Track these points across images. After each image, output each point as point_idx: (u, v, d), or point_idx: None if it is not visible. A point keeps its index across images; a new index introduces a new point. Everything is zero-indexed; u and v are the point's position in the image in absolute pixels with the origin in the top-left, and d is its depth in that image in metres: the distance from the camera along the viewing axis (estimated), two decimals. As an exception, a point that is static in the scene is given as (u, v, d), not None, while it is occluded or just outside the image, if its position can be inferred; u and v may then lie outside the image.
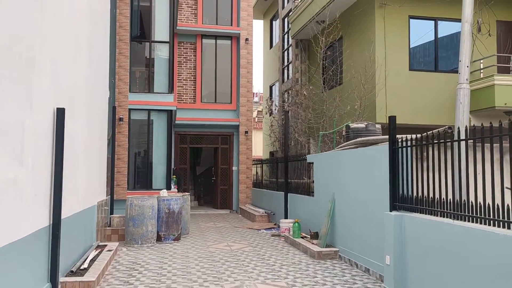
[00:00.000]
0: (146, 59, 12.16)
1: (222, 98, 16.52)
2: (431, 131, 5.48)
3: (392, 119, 6.02)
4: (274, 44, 21.61)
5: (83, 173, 7.15)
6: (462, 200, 4.75)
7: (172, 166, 15.71)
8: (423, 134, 5.59)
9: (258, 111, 27.22)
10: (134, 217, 9.18)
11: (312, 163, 9.66)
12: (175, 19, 13.20)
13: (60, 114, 5.16)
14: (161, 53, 12.15)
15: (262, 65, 24.13)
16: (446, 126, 5.09)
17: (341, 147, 9.02)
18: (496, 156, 4.49)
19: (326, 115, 11.88)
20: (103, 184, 9.63)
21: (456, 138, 4.90)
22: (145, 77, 12.30)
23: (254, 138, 20.53)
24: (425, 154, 5.48)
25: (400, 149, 5.89)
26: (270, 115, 18.79)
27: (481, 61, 12.35)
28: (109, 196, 10.52)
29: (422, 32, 12.35)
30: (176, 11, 13.85)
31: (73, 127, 6.33)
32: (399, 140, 5.91)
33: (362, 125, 9.30)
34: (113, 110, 10.64)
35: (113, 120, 10.64)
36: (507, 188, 4.37)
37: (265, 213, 13.09)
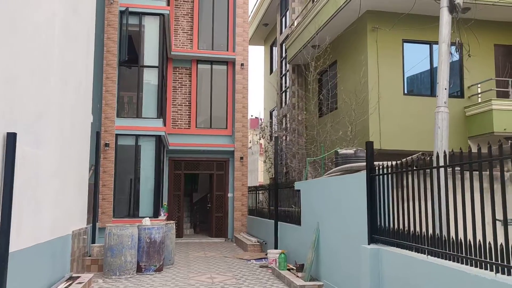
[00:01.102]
0: (134, 84, 12.01)
1: (217, 124, 16.28)
2: (407, 158, 5.11)
3: (369, 144, 5.65)
4: (274, 69, 21.51)
5: (51, 201, 6.83)
6: (441, 235, 4.34)
7: (165, 193, 15.38)
8: (402, 160, 5.21)
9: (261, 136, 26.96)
10: (112, 247, 8.80)
11: (299, 190, 9.27)
12: (165, 44, 13.11)
13: (10, 139, 4.88)
14: (150, 78, 11.99)
15: (263, 91, 24.00)
16: (420, 153, 4.73)
17: (328, 174, 8.64)
18: (477, 184, 4.09)
19: (317, 141, 11.52)
20: (82, 211, 9.29)
21: (434, 164, 4.53)
22: (134, 102, 12.12)
23: (259, 164, 20.19)
24: (405, 182, 5.09)
25: (377, 177, 5.50)
26: (262, 140, 18.48)
27: (479, 85, 12.00)
28: (91, 224, 10.16)
29: (416, 56, 12.07)
30: (168, 36, 13.78)
31: (37, 153, 6.06)
32: (376, 167, 5.53)
33: (351, 151, 8.94)
34: (97, 135, 10.41)
35: (97, 146, 10.39)
36: (498, 220, 3.96)
37: (258, 242, 12.61)
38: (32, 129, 5.90)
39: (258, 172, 20.50)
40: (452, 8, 5.10)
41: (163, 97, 12.68)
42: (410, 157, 5.07)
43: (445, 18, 5.19)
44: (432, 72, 12.17)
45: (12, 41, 5.09)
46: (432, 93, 12.04)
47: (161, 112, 12.03)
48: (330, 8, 12.25)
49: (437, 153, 4.56)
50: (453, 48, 6.54)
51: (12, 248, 5.27)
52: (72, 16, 7.92)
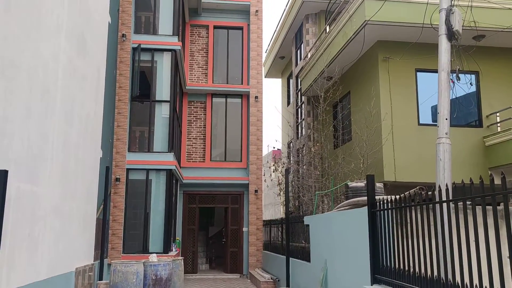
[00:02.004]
0: (146, 118, 12.10)
1: (232, 156, 16.20)
2: (408, 192, 4.82)
3: (369, 178, 5.39)
4: (291, 101, 21.48)
5: (50, 238, 6.76)
6: (446, 278, 4.01)
7: (178, 227, 15.21)
8: (401, 195, 4.92)
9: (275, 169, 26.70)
10: (117, 284, 8.62)
11: (308, 225, 8.95)
12: (177, 79, 13.25)
13: (1, 176, 4.86)
14: (161, 112, 12.07)
15: (281, 123, 23.92)
16: (418, 187, 4.45)
17: (337, 208, 8.34)
18: (488, 220, 3.77)
19: (328, 173, 11.23)
20: (88, 248, 9.21)
21: (437, 199, 4.24)
22: (145, 136, 12.18)
23: (280, 197, 19.89)
24: (408, 218, 4.79)
25: (379, 213, 5.20)
26: (276, 172, 18.23)
27: (497, 114, 11.56)
28: (99, 260, 10.04)
29: (430, 85, 11.76)
30: (181, 71, 13.96)
31: (33, 190, 6.03)
32: (378, 202, 5.24)
33: (361, 184, 8.62)
34: (106, 170, 10.43)
35: (106, 181, 10.40)
36: (508, 258, 3.63)
37: (271, 279, 12.20)
38: (28, 166, 5.90)
39: (280, 205, 20.16)
40: (451, 35, 4.91)
41: (175, 131, 12.70)
42: (408, 191, 4.78)
43: (444, 45, 4.99)
44: (450, 101, 11.81)
45: (6, 80, 5.15)
46: (450, 122, 11.64)
47: (172, 146, 12.02)
48: (340, 40, 12.19)
49: (439, 187, 4.28)
50: (462, 76, 6.30)
51: (3, 286, 5.17)
52: (80, 56, 8.07)
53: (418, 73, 11.75)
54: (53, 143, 6.83)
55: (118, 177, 11.40)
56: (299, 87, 18.82)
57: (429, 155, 11.14)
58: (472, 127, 11.79)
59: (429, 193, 4.30)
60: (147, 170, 11.76)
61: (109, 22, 10.49)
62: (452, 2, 5.15)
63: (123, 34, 11.86)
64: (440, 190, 4.00)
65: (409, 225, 4.70)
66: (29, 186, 5.92)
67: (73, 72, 7.68)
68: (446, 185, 3.85)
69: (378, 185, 8.57)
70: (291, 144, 20.91)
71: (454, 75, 5.32)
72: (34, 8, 5.77)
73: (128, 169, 11.66)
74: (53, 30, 6.51)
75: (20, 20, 5.39)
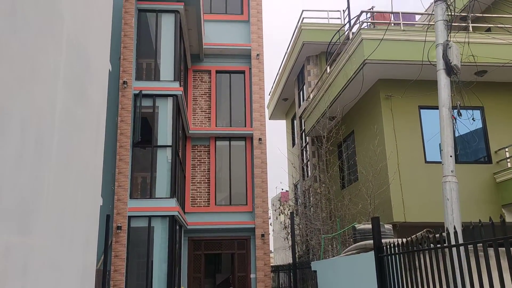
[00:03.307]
0: (148, 164, 11.98)
1: (237, 200, 15.90)
2: (415, 235, 4.53)
3: (375, 220, 5.11)
4: (295, 142, 21.37)
5: (43, 293, 6.44)
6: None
7: (183, 275, 14.72)
8: (411, 238, 4.64)
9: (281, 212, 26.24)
10: None
11: (315, 271, 8.55)
12: (179, 123, 13.23)
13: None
14: (163, 157, 11.95)
15: (287, 164, 23.72)
16: (425, 230, 4.17)
17: (345, 252, 7.98)
18: (502, 264, 3.48)
19: (335, 215, 10.89)
20: (87, 301, 8.81)
21: (446, 243, 3.95)
22: (147, 182, 12.01)
23: (288, 242, 19.36)
24: (416, 263, 4.48)
25: (387, 258, 4.89)
26: (282, 215, 17.85)
27: (506, 149, 11.30)
28: (98, 314, 9.61)
29: (435, 122, 11.57)
30: (183, 116, 13.96)
31: (25, 242, 5.80)
32: (385, 246, 4.94)
33: (369, 226, 8.29)
34: (107, 219, 10.18)
35: (107, 230, 10.12)
36: None
37: (280, 328, 11.62)
38: (19, 217, 5.69)
39: (289, 249, 19.60)
40: (449, 70, 4.78)
41: (177, 176, 12.53)
42: (415, 235, 4.50)
43: (443, 80, 4.86)
44: (455, 139, 11.59)
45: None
46: (457, 160, 11.36)
47: (175, 191, 11.81)
48: (341, 80, 12.18)
49: (447, 230, 4.01)
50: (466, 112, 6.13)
51: None
52: (78, 103, 8.03)
53: (421, 110, 11.63)
54: (48, 193, 6.65)
55: (119, 225, 11.14)
56: (303, 128, 18.76)
57: (439, 193, 10.79)
58: (481, 163, 11.50)
59: (437, 235, 4.03)
60: (149, 217, 11.50)
61: (109, 70, 10.58)
62: (449, 37, 5.06)
63: (124, 81, 11.96)
64: (448, 233, 3.72)
65: (418, 270, 4.39)
66: (20, 238, 5.69)
67: (71, 120, 7.61)
68: (454, 228, 3.58)
69: (387, 226, 8.24)
70: (298, 186, 20.61)
71: (456, 111, 5.15)
72: (28, 54, 5.75)
73: (129, 217, 11.41)
74: (49, 79, 6.49)
75: (13, 66, 5.36)
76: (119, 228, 11.14)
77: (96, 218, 9.50)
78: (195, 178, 15.91)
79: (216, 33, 16.92)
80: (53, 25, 6.76)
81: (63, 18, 7.15)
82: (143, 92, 12.11)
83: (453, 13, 5.42)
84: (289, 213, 16.06)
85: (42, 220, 6.50)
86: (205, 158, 16.20)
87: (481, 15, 12.14)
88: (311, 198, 14.50)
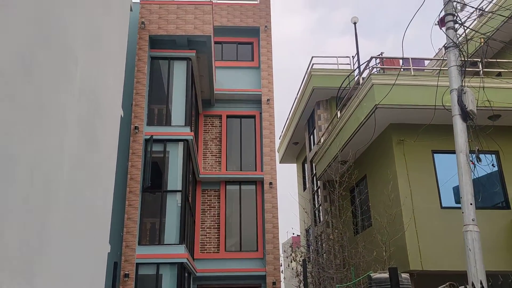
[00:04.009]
0: (157, 209, 11.83)
1: (247, 246, 15.54)
2: (436, 289, 4.27)
3: (393, 271, 4.87)
4: (307, 186, 21.13)
5: None
6: None
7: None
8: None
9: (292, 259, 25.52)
10: None
11: (330, 324, 8.13)
12: (190, 168, 13.17)
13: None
14: (173, 202, 11.81)
15: (298, 210, 23.36)
16: (448, 283, 3.93)
17: (361, 303, 7.60)
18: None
19: (349, 263, 10.51)
20: None
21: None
22: (156, 228, 11.82)
23: None
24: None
25: (407, 313, 4.60)
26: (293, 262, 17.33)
27: (525, 193, 10.97)
28: None
29: (450, 166, 11.35)
30: (194, 160, 13.92)
31: (29, 292, 5.60)
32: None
33: (385, 275, 7.94)
34: (114, 266, 9.94)
35: (114, 278, 9.86)
36: None
37: None
38: (24, 264, 5.53)
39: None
40: (465, 115, 4.68)
41: (187, 221, 12.33)
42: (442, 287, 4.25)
43: (459, 126, 4.75)
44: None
45: (3, 174, 4.99)
46: (476, 205, 11.02)
47: (184, 237, 11.58)
48: (352, 124, 12.13)
49: (472, 284, 3.77)
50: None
51: None
52: (88, 149, 8.03)
53: (435, 155, 11.44)
54: (54, 238, 6.50)
55: (127, 273, 10.86)
56: (313, 172, 18.58)
57: (456, 240, 10.42)
58: (499, 209, 11.15)
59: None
60: (158, 264, 11.22)
61: (121, 115, 10.67)
62: (463, 82, 5.00)
63: (135, 126, 12.04)
64: None
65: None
66: (24, 285, 5.50)
67: (80, 166, 7.58)
68: (481, 283, 3.36)
69: (404, 275, 7.87)
70: (309, 231, 20.16)
71: (474, 156, 5.00)
72: (40, 100, 5.79)
73: (137, 264, 11.14)
74: (60, 124, 6.51)
75: (24, 112, 5.38)
76: (126, 276, 10.85)
77: (103, 265, 9.27)
78: (204, 223, 15.66)
79: (227, 79, 17.19)
80: (67, 71, 6.87)
81: (77, 64, 7.28)
82: (154, 137, 12.15)
83: (466, 58, 5.38)
84: (301, 260, 15.60)
85: (47, 266, 6.31)
86: (215, 202, 16.01)
87: (492, 60, 12.18)
88: (324, 244, 14.10)
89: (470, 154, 4.92)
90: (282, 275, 15.89)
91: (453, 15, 5.46)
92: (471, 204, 4.44)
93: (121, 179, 10.98)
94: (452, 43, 5.27)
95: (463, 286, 4.07)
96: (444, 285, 4.21)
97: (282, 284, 15.78)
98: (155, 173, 11.99)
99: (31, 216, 5.71)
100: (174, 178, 12.08)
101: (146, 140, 12.17)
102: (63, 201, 6.81)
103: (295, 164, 24.21)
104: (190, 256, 12.58)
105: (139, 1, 13.52)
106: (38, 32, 5.81)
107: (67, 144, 6.90)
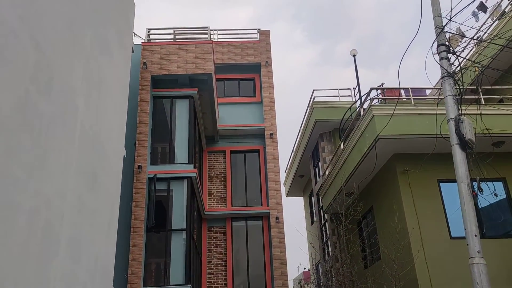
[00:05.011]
0: (162, 249, 11.67)
1: (256, 284, 15.23)
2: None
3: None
4: (314, 220, 20.85)
5: None
6: None
7: None
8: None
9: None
10: None
11: None
12: (194, 205, 13.08)
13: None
14: (178, 241, 11.67)
15: (307, 245, 22.96)
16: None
17: None
18: None
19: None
20: None
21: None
22: (161, 268, 11.62)
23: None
24: None
25: None
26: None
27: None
28: None
29: (457, 196, 11.18)
30: (199, 198, 13.85)
31: None
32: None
33: (396, 311, 7.73)
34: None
35: (119, 321, 9.64)
36: None
37: None
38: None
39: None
40: (464, 144, 4.64)
41: (193, 260, 12.14)
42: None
43: (458, 156, 4.71)
44: (479, 211, 11.12)
45: (1, 222, 4.97)
46: (485, 235, 10.77)
47: (189, 277, 11.36)
48: (355, 156, 12.08)
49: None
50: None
51: None
52: (90, 192, 8.01)
53: (441, 184, 11.30)
54: (54, 284, 6.40)
55: (131, 319, 10.63)
56: (320, 205, 18.38)
57: (468, 271, 10.14)
58: (510, 238, 10.88)
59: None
60: (163, 307, 10.98)
61: (124, 156, 10.72)
62: (459, 111, 4.98)
63: (139, 165, 12.07)
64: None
65: None
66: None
67: (81, 209, 7.54)
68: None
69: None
70: (319, 266, 19.74)
71: (476, 185, 4.92)
72: (39, 146, 5.83)
73: (143, 306, 10.91)
74: (60, 169, 6.54)
75: (22, 158, 5.40)
76: (132, 319, 10.61)
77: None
78: (211, 262, 15.41)
79: (230, 115, 17.33)
80: (67, 116, 6.94)
81: (77, 108, 7.37)
82: (158, 175, 12.15)
83: (461, 87, 5.39)
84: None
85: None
86: (221, 240, 15.80)
87: (491, 87, 12.20)
88: (334, 280, 13.77)
89: (473, 183, 4.84)
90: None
91: (446, 45, 5.52)
92: (475, 235, 4.33)
93: (125, 219, 10.91)
94: (446, 73, 5.29)
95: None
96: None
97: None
98: (159, 212, 11.92)
99: (30, 264, 5.64)
100: (179, 216, 11.98)
101: (150, 179, 12.17)
102: (64, 245, 6.74)
103: (302, 197, 24.02)
104: (196, 297, 12.31)
105: (140, 43, 13.83)
106: (38, 78, 5.93)
107: (67, 188, 6.90)
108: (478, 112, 6.90)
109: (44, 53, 6.04)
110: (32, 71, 5.70)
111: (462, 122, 4.88)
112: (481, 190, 5.03)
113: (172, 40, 14.77)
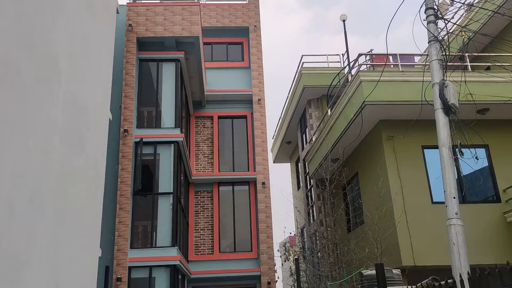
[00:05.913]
0: (149, 212, 11.77)
1: (242, 247, 15.52)
2: (420, 283, 4.26)
3: (379, 267, 4.86)
4: (301, 186, 21.12)
5: None
6: None
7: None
8: (417, 286, 4.37)
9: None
10: None
11: (322, 322, 8.13)
12: (181, 170, 13.12)
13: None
14: (165, 205, 11.76)
15: (292, 209, 23.34)
16: (430, 277, 3.92)
17: (352, 301, 7.60)
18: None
19: (341, 261, 10.51)
20: None
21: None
22: (148, 231, 11.76)
23: None
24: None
25: (393, 309, 4.60)
26: (287, 261, 17.32)
27: (515, 187, 11.01)
28: None
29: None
30: (185, 162, 13.87)
31: (15, 299, 5.55)
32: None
33: (377, 272, 7.96)
34: (106, 270, 9.88)
35: (106, 282, 9.80)
36: None
37: None
38: (9, 270, 5.49)
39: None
40: (447, 109, 4.68)
41: (179, 223, 12.28)
42: (420, 283, 4.23)
43: (441, 120, 4.76)
44: (461, 177, 11.34)
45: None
46: (464, 199, 11.05)
47: (177, 239, 11.53)
48: (342, 122, 12.14)
49: (453, 278, 3.76)
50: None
51: None
52: (75, 153, 7.98)
53: (425, 150, 11.46)
54: (41, 245, 6.45)
55: (119, 276, 10.80)
56: (307, 171, 18.58)
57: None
58: (490, 203, 11.19)
59: (442, 282, 3.77)
60: (150, 267, 11.16)
61: (110, 119, 10.61)
62: (445, 76, 5.00)
63: (125, 129, 11.98)
64: (454, 282, 3.48)
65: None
66: (9, 295, 5.45)
67: (68, 170, 7.52)
68: (460, 276, 3.34)
69: (395, 271, 7.89)
70: (304, 230, 20.15)
71: (457, 150, 5.00)
72: (22, 109, 5.75)
73: (130, 267, 11.08)
74: (44, 129, 6.46)
75: (3, 115, 5.32)
76: (119, 279, 10.80)
77: (94, 270, 9.21)
78: (198, 225, 15.62)
79: (218, 80, 17.15)
80: (50, 77, 6.81)
81: (60, 70, 7.22)
82: (144, 139, 12.10)
83: (448, 53, 5.39)
84: (294, 259, 15.58)
85: (34, 274, 6.26)
86: (208, 204, 15.97)
87: (479, 54, 12.21)
88: (318, 243, 14.10)
89: (453, 148, 4.93)
90: (276, 275, 15.89)
91: (434, 9, 5.47)
92: (454, 197, 4.44)
93: (111, 182, 10.92)
94: (433, 37, 5.28)
95: (449, 280, 4.06)
96: (427, 279, 4.21)
97: (279, 283, 15.76)
98: (146, 176, 11.94)
99: (16, 225, 5.66)
100: (165, 180, 12.03)
101: (136, 143, 12.12)
102: (50, 207, 6.76)
103: (289, 164, 24.21)
104: (183, 258, 12.54)
105: (125, 4, 13.46)
106: (21, 38, 5.76)
107: (52, 150, 6.85)
108: (463, 78, 6.93)
109: (25, 13, 5.85)
110: (15, 31, 5.54)
111: (446, 86, 4.90)
112: (462, 154, 5.12)
113: (158, 1, 14.38)
